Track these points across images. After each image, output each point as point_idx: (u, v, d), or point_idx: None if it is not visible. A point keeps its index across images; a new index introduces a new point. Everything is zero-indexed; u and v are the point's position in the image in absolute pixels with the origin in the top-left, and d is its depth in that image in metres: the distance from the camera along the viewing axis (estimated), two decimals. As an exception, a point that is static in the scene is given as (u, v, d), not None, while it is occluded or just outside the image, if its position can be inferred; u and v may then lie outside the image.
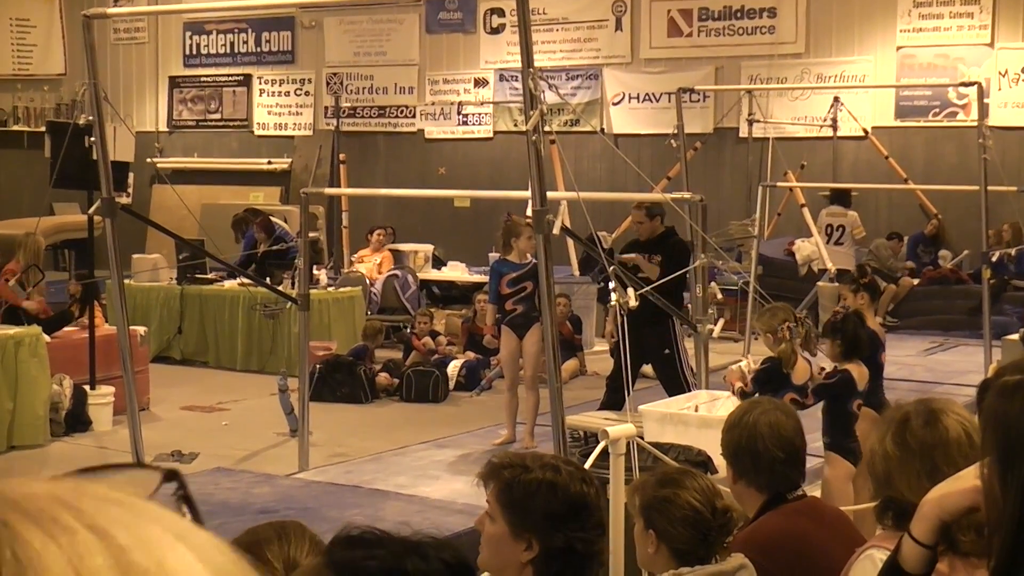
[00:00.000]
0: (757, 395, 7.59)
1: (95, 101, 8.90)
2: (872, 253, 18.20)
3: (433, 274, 18.77)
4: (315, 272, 15.97)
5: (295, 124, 24.24)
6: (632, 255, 10.63)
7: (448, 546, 1.82)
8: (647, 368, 11.22)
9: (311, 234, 13.00)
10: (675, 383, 10.39)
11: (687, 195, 10.27)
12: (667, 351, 10.62)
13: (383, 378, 13.69)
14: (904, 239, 18.80)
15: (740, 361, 8.57)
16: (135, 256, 16.84)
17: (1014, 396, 2.10)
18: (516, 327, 10.80)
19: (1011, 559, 2.04)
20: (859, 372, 7.59)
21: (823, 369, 7.95)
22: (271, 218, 17.16)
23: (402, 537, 1.81)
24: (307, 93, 24.07)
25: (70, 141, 9.55)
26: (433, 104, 22.94)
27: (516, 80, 20.12)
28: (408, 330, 15.85)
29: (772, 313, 8.10)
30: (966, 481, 2.29)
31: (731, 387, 8.10)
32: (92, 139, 9.01)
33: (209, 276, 16.17)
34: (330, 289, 16.10)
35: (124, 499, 0.79)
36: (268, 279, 14.27)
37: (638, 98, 21.20)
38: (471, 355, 14.63)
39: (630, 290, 7.32)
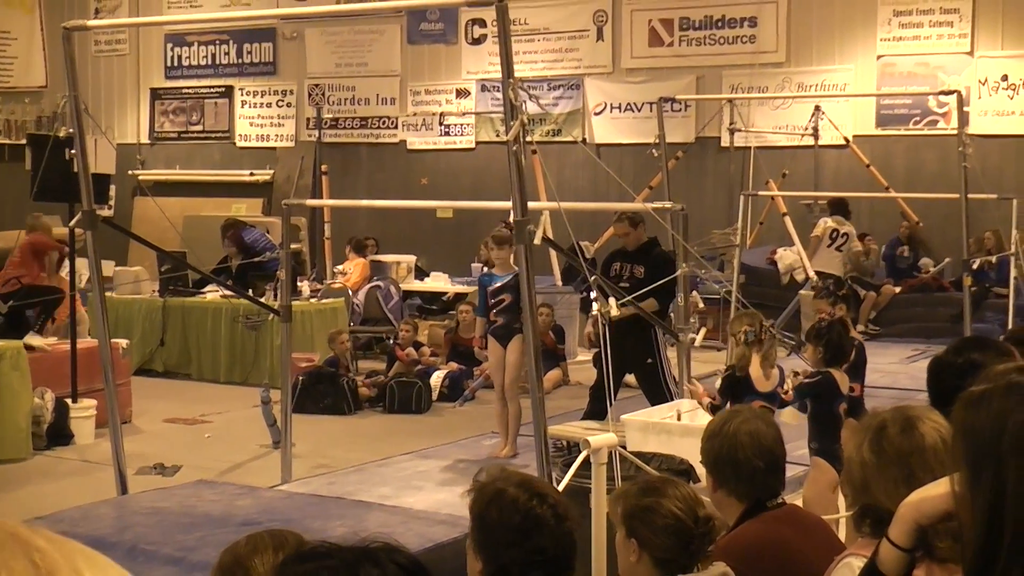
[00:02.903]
0: (728, 405, 7.63)
1: (75, 113, 8.88)
2: (850, 263, 18.23)
3: (416, 285, 18.76)
4: (299, 284, 15.97)
5: (277, 135, 24.22)
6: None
7: (401, 550, 1.81)
8: (630, 378, 11.24)
9: (293, 246, 13.00)
10: (658, 392, 10.40)
11: (669, 204, 10.29)
12: (649, 360, 10.63)
13: (365, 389, 13.68)
14: (867, 237, 18.80)
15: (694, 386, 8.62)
16: (117, 268, 16.81)
17: (980, 406, 2.12)
18: (499, 338, 10.81)
19: (981, 566, 2.05)
20: (840, 377, 7.62)
21: (796, 373, 7.96)
22: (251, 228, 17.14)
23: (353, 546, 1.81)
24: (289, 104, 24.07)
25: (51, 153, 9.52)
26: (415, 115, 22.95)
27: (498, 90, 20.12)
28: (391, 341, 15.84)
29: (739, 318, 8.16)
30: (944, 486, 2.30)
31: (700, 403, 8.12)
32: (72, 151, 8.98)
33: (204, 289, 16.09)
34: (312, 300, 16.07)
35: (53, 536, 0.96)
36: (250, 291, 14.24)
37: (620, 108, 21.24)
38: (454, 366, 14.63)
39: (612, 300, 7.32)
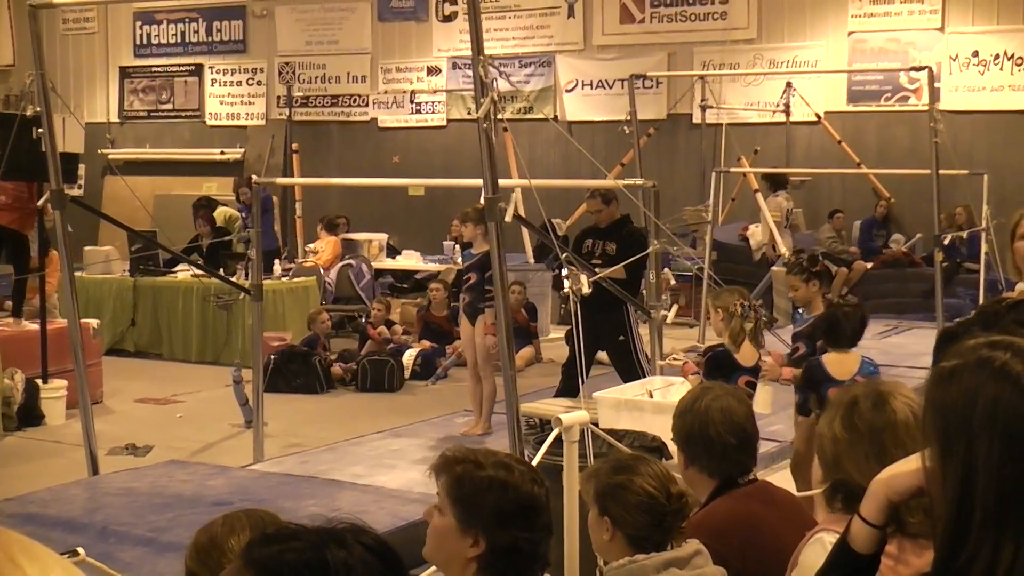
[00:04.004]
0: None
1: (43, 92, 8.82)
2: (816, 240, 18.31)
3: (388, 263, 18.73)
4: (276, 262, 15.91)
5: (247, 114, 24.12)
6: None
7: (367, 531, 1.79)
8: (603, 355, 11.23)
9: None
10: (630, 369, 10.40)
11: (640, 181, 10.27)
12: (622, 338, 10.63)
13: (338, 368, 13.65)
14: (836, 214, 18.86)
15: (676, 357, 8.51)
16: (87, 248, 16.74)
17: (950, 382, 2.12)
18: (467, 316, 10.86)
19: (951, 542, 2.05)
20: (836, 359, 7.48)
21: (794, 349, 7.86)
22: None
23: (319, 527, 1.79)
24: (259, 83, 23.95)
25: (18, 132, 9.45)
26: (386, 93, 22.88)
27: (469, 68, 20.01)
28: (363, 319, 15.81)
29: (729, 292, 7.98)
30: (915, 463, 2.30)
31: (687, 378, 7.93)
32: (40, 130, 8.92)
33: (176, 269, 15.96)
34: (284, 279, 16.02)
35: None
36: (221, 270, 14.19)
37: (591, 85, 21.21)
38: (426, 344, 14.62)
39: (583, 277, 7.31)
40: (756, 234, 18.12)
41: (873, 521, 2.38)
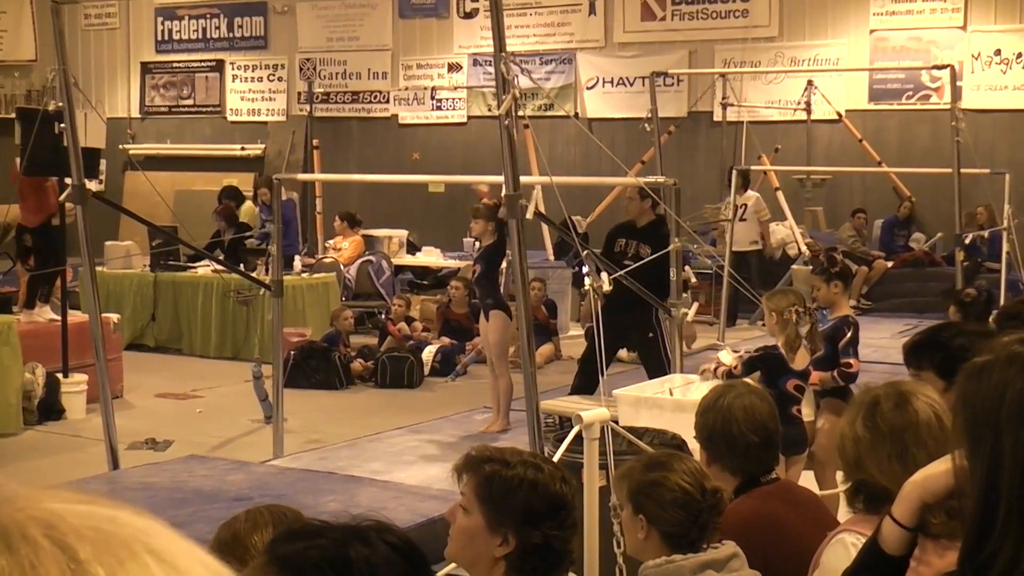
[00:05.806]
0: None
1: (65, 87, 8.84)
2: (837, 239, 18.26)
3: (407, 259, 18.74)
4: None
5: (268, 110, 24.15)
6: None
7: (392, 529, 1.79)
8: (622, 352, 11.20)
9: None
10: (659, 367, 10.34)
11: (661, 179, 10.24)
12: (651, 335, 10.56)
13: (358, 364, 13.67)
14: (858, 214, 18.78)
15: (721, 351, 8.43)
16: (108, 243, 16.77)
17: (981, 377, 2.12)
18: (481, 311, 10.84)
19: (978, 535, 2.04)
20: None
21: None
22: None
23: (343, 524, 1.78)
24: (280, 79, 23.98)
25: (40, 127, 9.47)
26: (407, 89, 22.88)
27: (490, 65, 20.04)
28: (383, 316, 15.81)
29: (783, 294, 7.81)
30: (949, 463, 2.30)
31: (713, 369, 7.76)
32: (62, 125, 8.93)
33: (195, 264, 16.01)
34: (304, 275, 16.04)
35: (109, 515, 0.83)
36: (242, 265, 14.21)
37: (612, 82, 21.19)
38: (446, 340, 14.62)
39: (604, 275, 7.29)
40: (776, 232, 18.08)
41: (905, 523, 2.38)
